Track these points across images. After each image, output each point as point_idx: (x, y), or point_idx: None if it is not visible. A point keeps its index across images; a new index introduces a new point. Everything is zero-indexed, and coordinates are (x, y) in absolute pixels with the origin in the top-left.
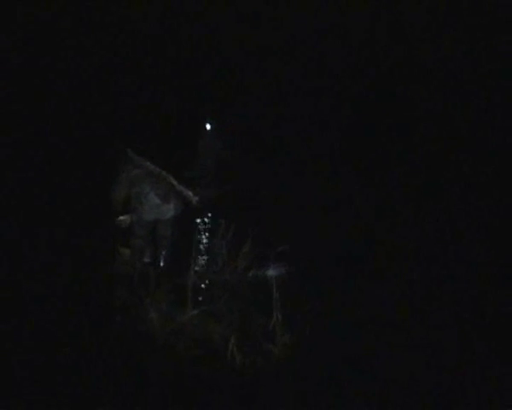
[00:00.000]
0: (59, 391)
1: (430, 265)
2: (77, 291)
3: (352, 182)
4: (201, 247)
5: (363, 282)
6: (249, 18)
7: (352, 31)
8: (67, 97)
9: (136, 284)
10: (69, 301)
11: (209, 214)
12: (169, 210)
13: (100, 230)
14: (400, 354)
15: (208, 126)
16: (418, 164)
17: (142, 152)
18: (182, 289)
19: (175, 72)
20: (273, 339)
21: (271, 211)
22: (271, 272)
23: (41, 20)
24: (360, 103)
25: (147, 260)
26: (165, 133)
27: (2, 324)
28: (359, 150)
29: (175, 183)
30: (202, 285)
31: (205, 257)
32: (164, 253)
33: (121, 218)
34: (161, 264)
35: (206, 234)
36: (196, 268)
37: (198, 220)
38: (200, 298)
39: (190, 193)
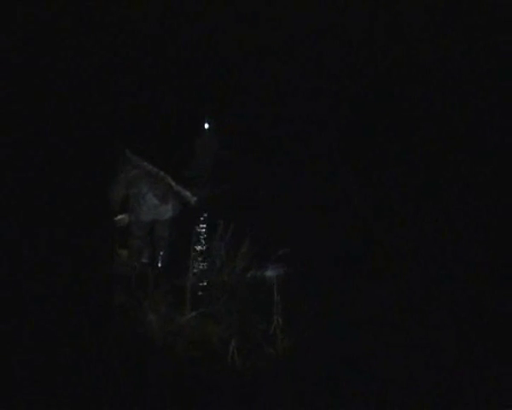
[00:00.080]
0: (57, 392)
1: (429, 265)
2: (75, 292)
3: (350, 182)
4: (200, 247)
5: (363, 283)
6: (247, 18)
7: (349, 30)
8: (65, 97)
9: (134, 284)
10: (67, 302)
11: (207, 215)
12: (167, 211)
13: (98, 230)
14: (400, 355)
15: (206, 125)
16: (417, 164)
17: (140, 152)
18: (180, 290)
19: (173, 71)
20: (273, 342)
21: (270, 211)
22: (270, 273)
23: (41, 20)
24: (358, 103)
25: (145, 260)
26: (164, 133)
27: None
28: (357, 150)
29: (173, 183)
30: (201, 286)
31: (203, 258)
32: (162, 253)
33: (119, 217)
34: (159, 265)
35: (205, 235)
36: (195, 269)
37: (196, 221)
38: (199, 299)
39: (188, 193)
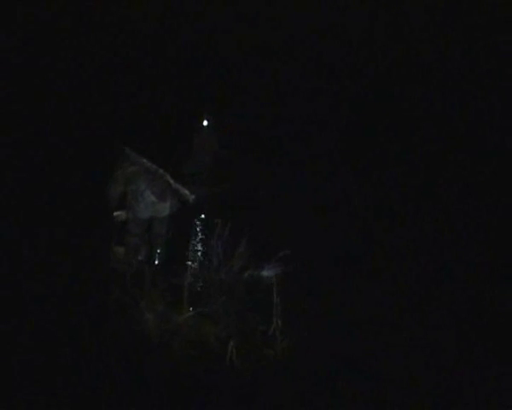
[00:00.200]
0: (54, 392)
1: (429, 265)
2: (71, 291)
3: (349, 181)
4: (197, 246)
5: (362, 283)
6: (247, 17)
7: (350, 30)
8: (63, 96)
9: (131, 282)
10: (64, 301)
11: (205, 213)
12: (165, 208)
13: (96, 228)
14: (400, 355)
15: (205, 123)
16: (417, 164)
17: (139, 149)
18: (177, 288)
19: (172, 70)
20: (272, 343)
21: (267, 210)
22: (267, 273)
23: (41, 20)
24: (358, 103)
25: (141, 258)
26: (162, 130)
27: None
28: (357, 150)
29: (171, 181)
30: (198, 285)
31: (200, 256)
32: (159, 251)
33: (117, 213)
34: (156, 263)
35: (202, 233)
36: (192, 267)
37: (194, 219)
38: (196, 298)
39: (187, 191)
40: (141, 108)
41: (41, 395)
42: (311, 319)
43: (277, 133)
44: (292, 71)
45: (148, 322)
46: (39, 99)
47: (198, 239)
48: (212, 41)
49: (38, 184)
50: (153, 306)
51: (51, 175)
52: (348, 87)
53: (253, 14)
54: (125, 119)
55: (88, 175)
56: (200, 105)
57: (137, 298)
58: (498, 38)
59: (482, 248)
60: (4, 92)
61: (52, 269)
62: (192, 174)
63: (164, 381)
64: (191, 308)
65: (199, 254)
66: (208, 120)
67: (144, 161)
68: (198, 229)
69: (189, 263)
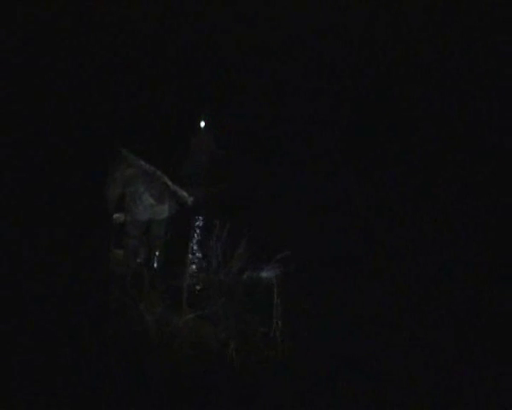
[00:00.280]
0: (54, 392)
1: (428, 265)
2: (71, 293)
3: (348, 181)
4: (196, 247)
5: (362, 283)
6: (246, 18)
7: (350, 30)
8: (62, 97)
9: (130, 285)
10: (63, 303)
11: (203, 215)
12: (163, 210)
13: (94, 230)
14: (400, 357)
15: (202, 124)
16: (417, 164)
17: (137, 151)
18: (176, 290)
19: (169, 71)
20: (273, 345)
21: (266, 211)
22: (266, 274)
23: (41, 20)
24: (358, 103)
25: (140, 260)
26: (160, 131)
27: None
28: (357, 150)
29: (170, 183)
30: (197, 287)
31: (199, 258)
32: (158, 253)
33: (115, 215)
34: (155, 265)
35: (201, 234)
36: (191, 269)
37: (193, 221)
38: (196, 300)
39: (185, 193)
40: (138, 110)
41: (41, 396)
42: (312, 320)
43: (276, 133)
44: (291, 71)
45: (147, 324)
46: (38, 100)
47: (197, 241)
48: (209, 42)
49: (37, 186)
50: (152, 308)
51: (49, 177)
52: (349, 88)
53: (252, 14)
54: (122, 120)
55: (86, 177)
56: (198, 106)
57: (137, 300)
58: (498, 38)
59: (482, 248)
60: (4, 92)
61: (51, 271)
62: (189, 175)
63: (164, 383)
64: (191, 310)
65: (198, 255)
66: (205, 121)
67: (142, 162)
68: (197, 230)
69: (188, 265)
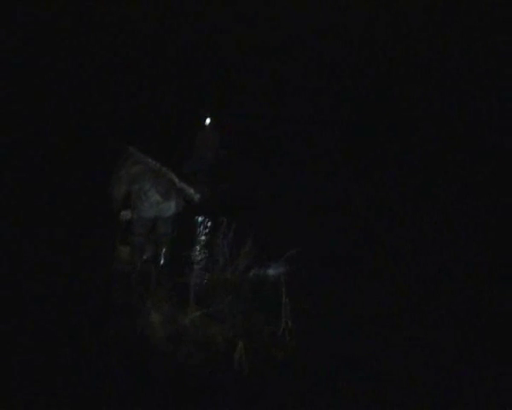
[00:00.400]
0: (57, 393)
1: (436, 265)
2: (77, 291)
3: (355, 180)
4: (202, 245)
5: (366, 283)
6: (248, 18)
7: (350, 30)
8: (67, 94)
9: (137, 282)
10: (69, 301)
11: (210, 213)
12: (170, 208)
13: (100, 228)
14: (402, 354)
15: (208, 121)
16: (417, 164)
17: (143, 148)
18: (183, 288)
19: (174, 69)
20: (281, 344)
21: (273, 209)
22: (272, 272)
23: (41, 20)
24: (359, 103)
25: (147, 258)
26: (165, 129)
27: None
28: (359, 148)
29: (176, 180)
30: (204, 284)
31: (206, 256)
32: (164, 251)
33: (122, 213)
34: (162, 262)
35: (207, 232)
36: (197, 267)
37: (199, 218)
38: (202, 298)
39: (192, 190)
40: (144, 108)
41: (42, 396)
42: (319, 319)
43: (283, 133)
44: (293, 71)
45: (153, 322)
46: (44, 99)
47: (203, 238)
48: (213, 41)
49: (42, 184)
50: (158, 306)
51: (55, 175)
52: (349, 88)
53: (256, 14)
54: (128, 118)
55: (92, 174)
56: (203, 104)
57: (143, 298)
58: (498, 38)
59: (482, 248)
60: (5, 92)
61: (57, 269)
62: (194, 173)
63: (170, 382)
64: (197, 308)
65: (204, 253)
66: (211, 119)
67: (148, 159)
68: (203, 228)
69: (195, 262)
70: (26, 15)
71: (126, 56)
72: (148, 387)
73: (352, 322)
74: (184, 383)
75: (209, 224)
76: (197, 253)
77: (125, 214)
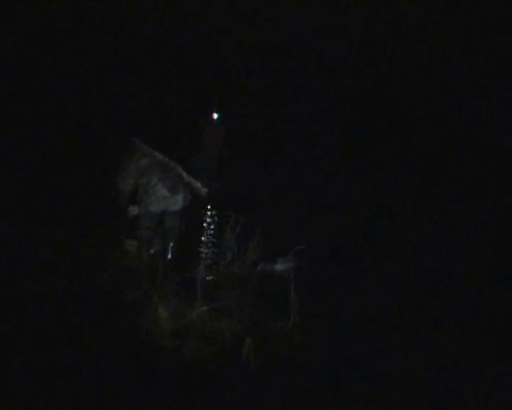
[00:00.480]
0: (63, 388)
1: (441, 264)
2: (82, 286)
3: (362, 178)
4: (210, 239)
5: (374, 277)
6: (248, 18)
7: (350, 30)
8: (74, 89)
9: (144, 277)
10: (76, 297)
11: (217, 207)
12: (177, 202)
13: (107, 222)
14: (411, 353)
15: (215, 115)
16: (417, 164)
17: (150, 141)
18: (190, 282)
19: (182, 64)
20: (289, 339)
21: (280, 204)
22: (280, 266)
23: (41, 20)
24: (359, 102)
25: (154, 252)
26: (173, 123)
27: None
28: (363, 146)
29: (184, 174)
30: (211, 279)
31: (213, 250)
32: (171, 245)
33: (129, 208)
34: (169, 256)
35: (215, 227)
36: (205, 261)
37: (207, 213)
38: (210, 293)
39: (199, 185)
40: (152, 102)
41: (47, 394)
42: (327, 314)
43: (288, 131)
44: (294, 71)
45: (160, 317)
46: (53, 95)
47: (211, 233)
48: (214, 42)
49: (48, 180)
50: (166, 300)
51: (61, 169)
52: (349, 88)
53: (256, 14)
54: (136, 112)
55: (98, 168)
56: (210, 99)
57: (150, 293)
58: (498, 38)
59: (482, 249)
60: (5, 92)
61: (64, 264)
62: (201, 167)
63: (178, 377)
64: (205, 303)
65: (212, 247)
66: (218, 113)
67: (156, 153)
68: (210, 222)
69: (202, 257)
70: (26, 15)
71: (136, 53)
72: (155, 382)
73: (359, 318)
74: (192, 377)
75: (216, 218)
76: (204, 247)
77: (133, 210)
